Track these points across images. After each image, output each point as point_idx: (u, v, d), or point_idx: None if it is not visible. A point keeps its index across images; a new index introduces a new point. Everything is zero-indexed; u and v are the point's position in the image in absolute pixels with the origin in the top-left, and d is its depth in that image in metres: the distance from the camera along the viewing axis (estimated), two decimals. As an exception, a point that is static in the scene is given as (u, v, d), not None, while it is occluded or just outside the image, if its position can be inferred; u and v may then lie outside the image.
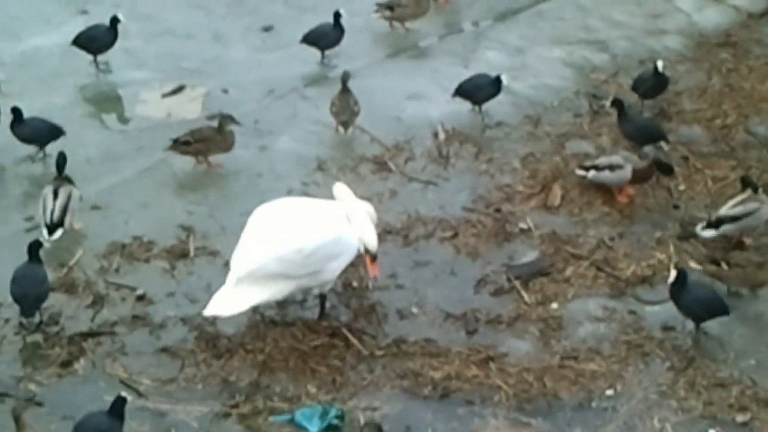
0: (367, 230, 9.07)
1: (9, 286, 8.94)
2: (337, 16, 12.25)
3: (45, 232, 9.68)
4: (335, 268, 8.99)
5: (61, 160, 9.99)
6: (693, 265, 9.55)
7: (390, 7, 12.93)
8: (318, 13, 12.99)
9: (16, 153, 10.85)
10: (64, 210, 9.74)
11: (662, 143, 10.99)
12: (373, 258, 9.11)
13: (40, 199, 9.81)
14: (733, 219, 9.86)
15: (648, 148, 10.94)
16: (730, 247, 9.93)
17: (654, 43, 12.97)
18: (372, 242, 9.06)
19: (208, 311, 8.79)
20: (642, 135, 11.06)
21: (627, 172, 10.36)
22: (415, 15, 13.00)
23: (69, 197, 9.81)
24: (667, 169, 10.51)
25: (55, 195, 9.78)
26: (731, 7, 13.62)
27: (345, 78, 11.21)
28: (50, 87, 11.99)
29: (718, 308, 9.07)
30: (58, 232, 9.70)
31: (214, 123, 10.88)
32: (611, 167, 10.39)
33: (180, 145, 10.67)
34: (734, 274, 9.43)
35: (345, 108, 11.15)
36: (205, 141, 10.68)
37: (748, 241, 9.98)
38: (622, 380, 8.82)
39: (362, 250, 9.09)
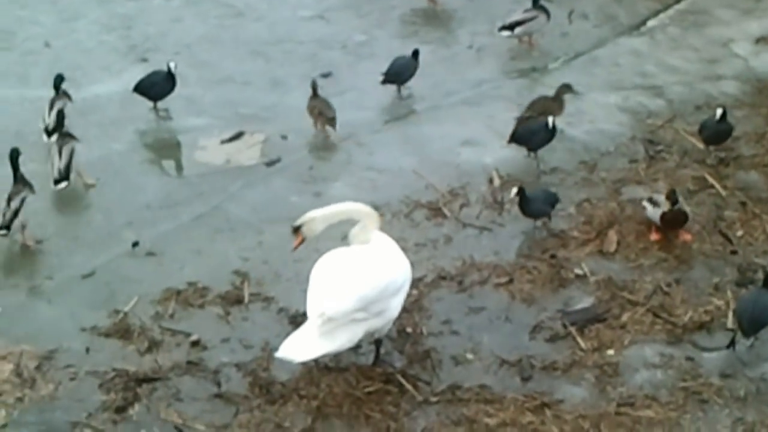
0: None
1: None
2: (415, 53, 12.55)
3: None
4: (397, 305, 8.94)
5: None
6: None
7: None
8: (375, 59, 13.11)
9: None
10: (68, 166, 11.06)
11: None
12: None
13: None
14: None
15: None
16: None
17: (711, 89, 12.90)
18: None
19: (281, 353, 8.66)
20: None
21: (656, 213, 10.35)
22: None
23: (71, 154, 11.12)
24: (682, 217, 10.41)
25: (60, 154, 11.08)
26: (789, 51, 13.57)
27: (314, 85, 11.79)
28: (110, 134, 12.14)
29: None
30: (63, 184, 11.00)
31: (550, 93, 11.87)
32: (654, 202, 10.45)
33: (525, 120, 11.42)
34: None
35: (327, 106, 11.69)
36: (546, 112, 11.46)
37: None
38: (679, 428, 8.70)
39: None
